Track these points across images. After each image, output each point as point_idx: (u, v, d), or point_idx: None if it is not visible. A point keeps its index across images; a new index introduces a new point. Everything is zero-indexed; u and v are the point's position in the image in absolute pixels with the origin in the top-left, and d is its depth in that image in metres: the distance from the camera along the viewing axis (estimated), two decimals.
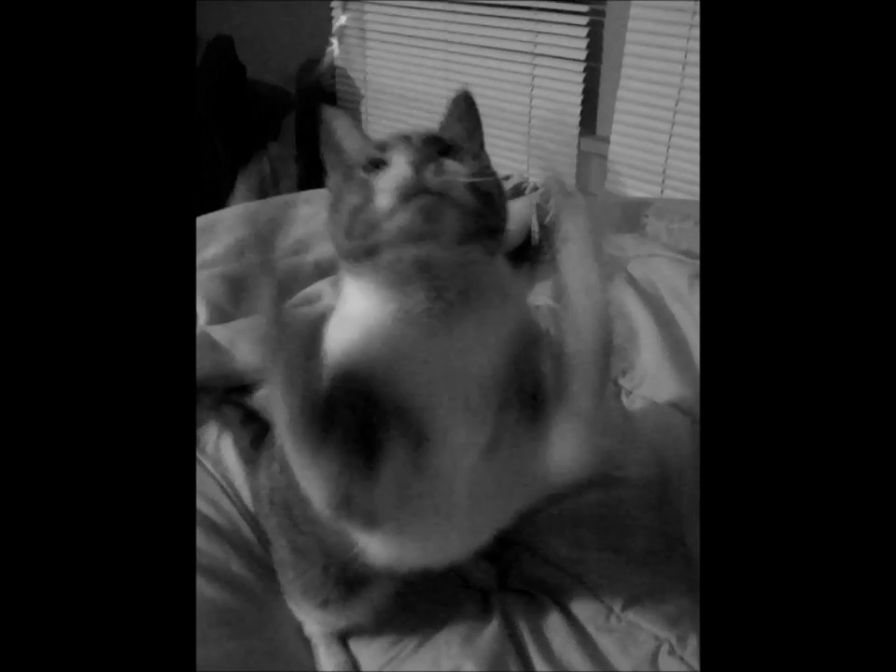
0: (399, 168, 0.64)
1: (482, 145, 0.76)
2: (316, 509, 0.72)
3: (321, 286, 1.58)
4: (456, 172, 0.65)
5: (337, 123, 0.75)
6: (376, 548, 0.81)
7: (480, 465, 0.73)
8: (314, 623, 0.99)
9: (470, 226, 0.65)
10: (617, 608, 0.97)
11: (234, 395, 1.33)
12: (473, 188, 0.65)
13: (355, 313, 0.71)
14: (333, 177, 0.75)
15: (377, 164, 0.67)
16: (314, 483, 0.70)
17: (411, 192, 0.63)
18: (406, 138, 0.68)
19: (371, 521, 0.74)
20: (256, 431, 1.18)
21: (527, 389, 0.72)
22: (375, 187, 0.65)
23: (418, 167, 0.63)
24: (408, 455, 0.70)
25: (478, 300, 0.69)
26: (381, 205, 0.63)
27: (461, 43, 2.85)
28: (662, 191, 2.48)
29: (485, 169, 0.69)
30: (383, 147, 0.69)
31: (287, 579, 0.97)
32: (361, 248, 0.66)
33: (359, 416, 0.68)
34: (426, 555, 0.85)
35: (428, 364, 0.68)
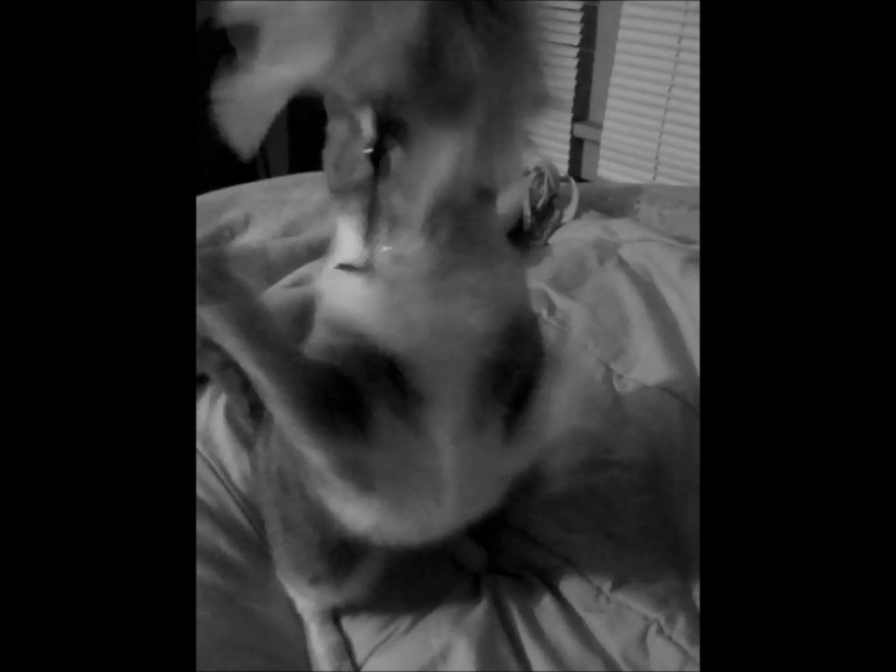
0: None
1: None
2: (322, 476, 0.76)
3: (313, 267, 1.57)
4: None
5: None
6: (368, 518, 0.82)
7: (468, 433, 0.74)
8: (305, 599, 0.99)
9: None
10: (606, 588, 0.97)
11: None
12: None
13: (348, 256, 0.71)
14: (331, 124, 0.74)
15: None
16: (315, 453, 0.73)
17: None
18: None
19: (369, 485, 0.77)
20: (255, 399, 1.15)
21: (511, 382, 0.74)
22: (361, 118, 0.65)
23: None
24: (400, 415, 0.72)
25: (471, 246, 0.68)
26: (366, 135, 0.64)
27: None
28: (654, 177, 2.48)
29: None
30: None
31: (278, 553, 0.96)
32: (350, 182, 0.67)
33: (354, 380, 0.69)
34: (417, 528, 0.85)
35: (422, 316, 0.68)
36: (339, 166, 0.68)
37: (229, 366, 1.21)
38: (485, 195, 0.69)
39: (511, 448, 0.79)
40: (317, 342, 0.72)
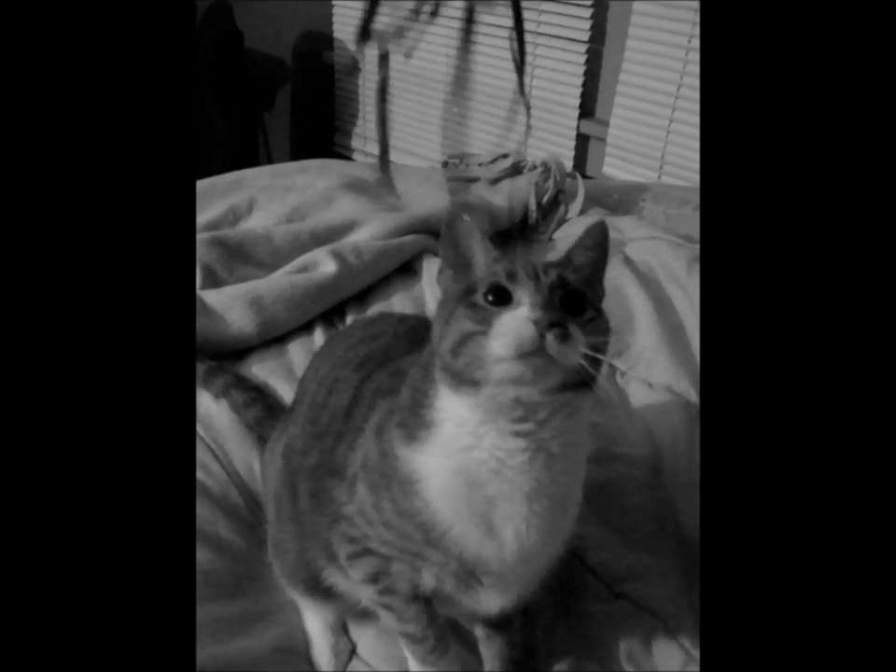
0: (522, 324, 0.62)
1: (603, 276, 0.76)
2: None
3: (318, 254, 1.56)
4: (577, 342, 0.62)
5: (462, 225, 0.72)
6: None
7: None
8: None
9: (572, 381, 0.64)
10: (613, 585, 0.97)
11: (227, 363, 1.33)
12: (587, 355, 0.63)
13: (454, 445, 0.69)
14: (446, 273, 0.73)
15: (500, 294, 0.65)
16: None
17: (528, 353, 0.61)
18: (534, 275, 0.65)
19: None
20: (259, 413, 1.19)
21: None
22: (494, 328, 0.62)
23: (542, 328, 0.61)
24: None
25: (571, 452, 0.70)
26: (495, 351, 0.62)
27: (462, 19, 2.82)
28: (659, 177, 2.47)
29: (603, 327, 0.68)
30: (511, 275, 0.66)
31: (270, 555, 0.97)
32: (464, 377, 0.65)
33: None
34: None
35: (513, 531, 0.69)
36: (456, 354, 0.65)
37: (232, 388, 1.23)
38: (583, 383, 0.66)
39: None
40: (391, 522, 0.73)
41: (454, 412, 0.68)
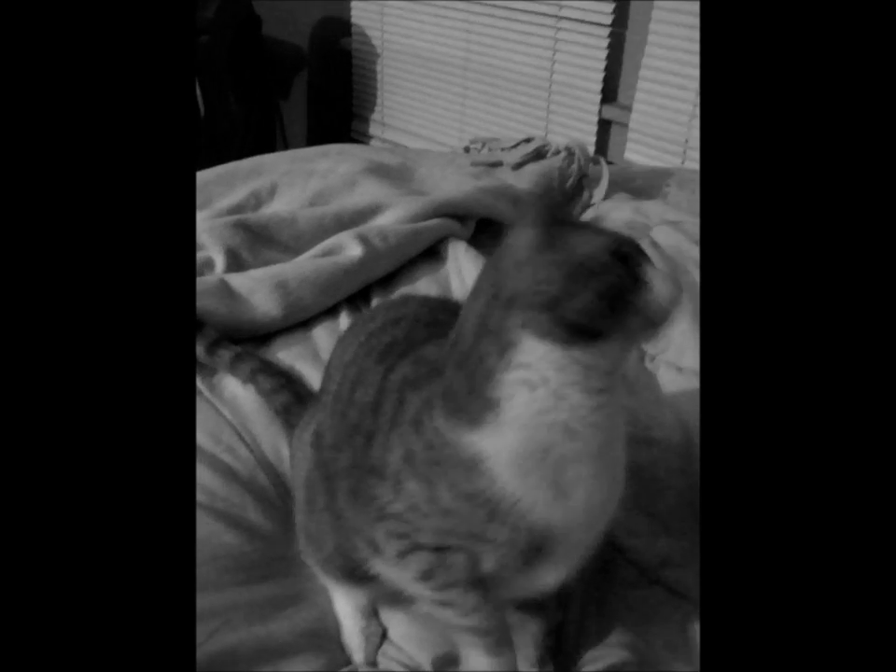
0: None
1: None
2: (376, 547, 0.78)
3: (343, 238, 1.55)
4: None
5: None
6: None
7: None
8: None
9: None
10: (648, 571, 0.96)
11: (251, 347, 1.32)
12: None
13: (526, 413, 0.66)
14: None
15: None
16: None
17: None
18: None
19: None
20: (287, 399, 1.18)
21: None
22: None
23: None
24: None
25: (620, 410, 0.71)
26: None
27: (483, 3, 2.80)
28: (683, 162, 2.45)
29: None
30: None
31: (301, 544, 0.95)
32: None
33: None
34: None
35: (582, 496, 0.68)
36: None
37: (258, 374, 1.23)
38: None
39: None
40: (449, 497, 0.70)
41: (536, 374, 0.65)
